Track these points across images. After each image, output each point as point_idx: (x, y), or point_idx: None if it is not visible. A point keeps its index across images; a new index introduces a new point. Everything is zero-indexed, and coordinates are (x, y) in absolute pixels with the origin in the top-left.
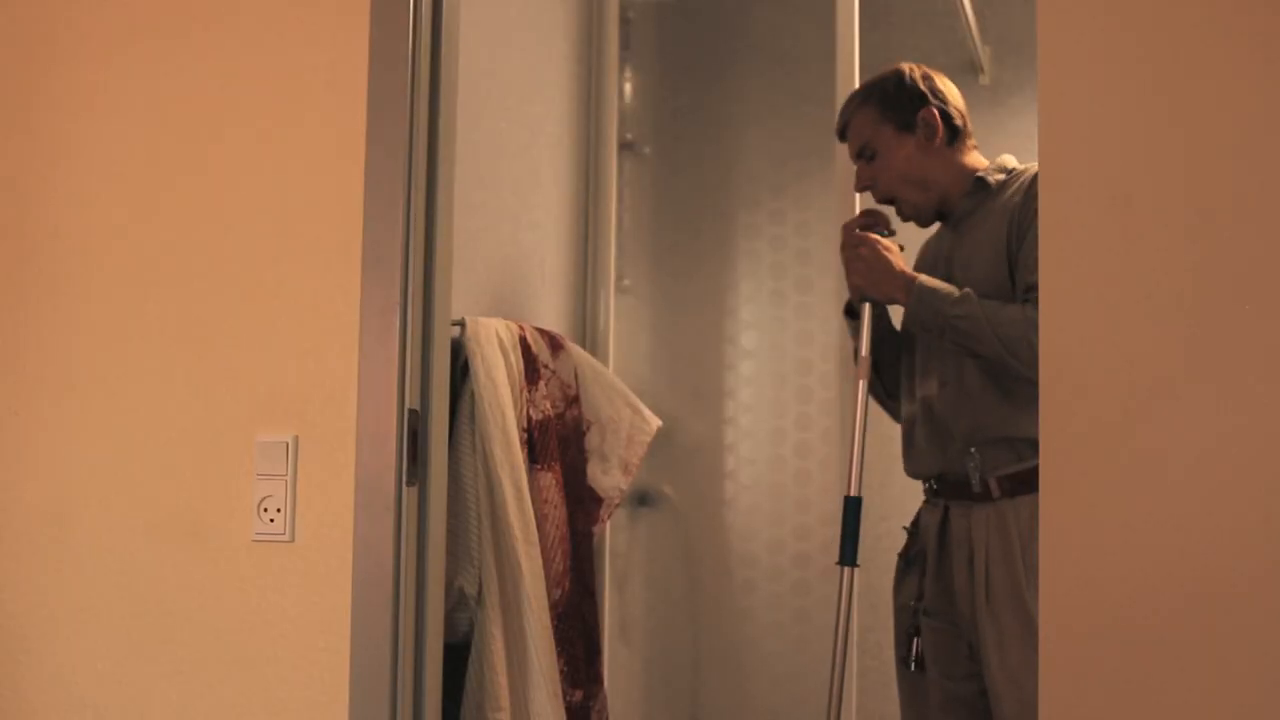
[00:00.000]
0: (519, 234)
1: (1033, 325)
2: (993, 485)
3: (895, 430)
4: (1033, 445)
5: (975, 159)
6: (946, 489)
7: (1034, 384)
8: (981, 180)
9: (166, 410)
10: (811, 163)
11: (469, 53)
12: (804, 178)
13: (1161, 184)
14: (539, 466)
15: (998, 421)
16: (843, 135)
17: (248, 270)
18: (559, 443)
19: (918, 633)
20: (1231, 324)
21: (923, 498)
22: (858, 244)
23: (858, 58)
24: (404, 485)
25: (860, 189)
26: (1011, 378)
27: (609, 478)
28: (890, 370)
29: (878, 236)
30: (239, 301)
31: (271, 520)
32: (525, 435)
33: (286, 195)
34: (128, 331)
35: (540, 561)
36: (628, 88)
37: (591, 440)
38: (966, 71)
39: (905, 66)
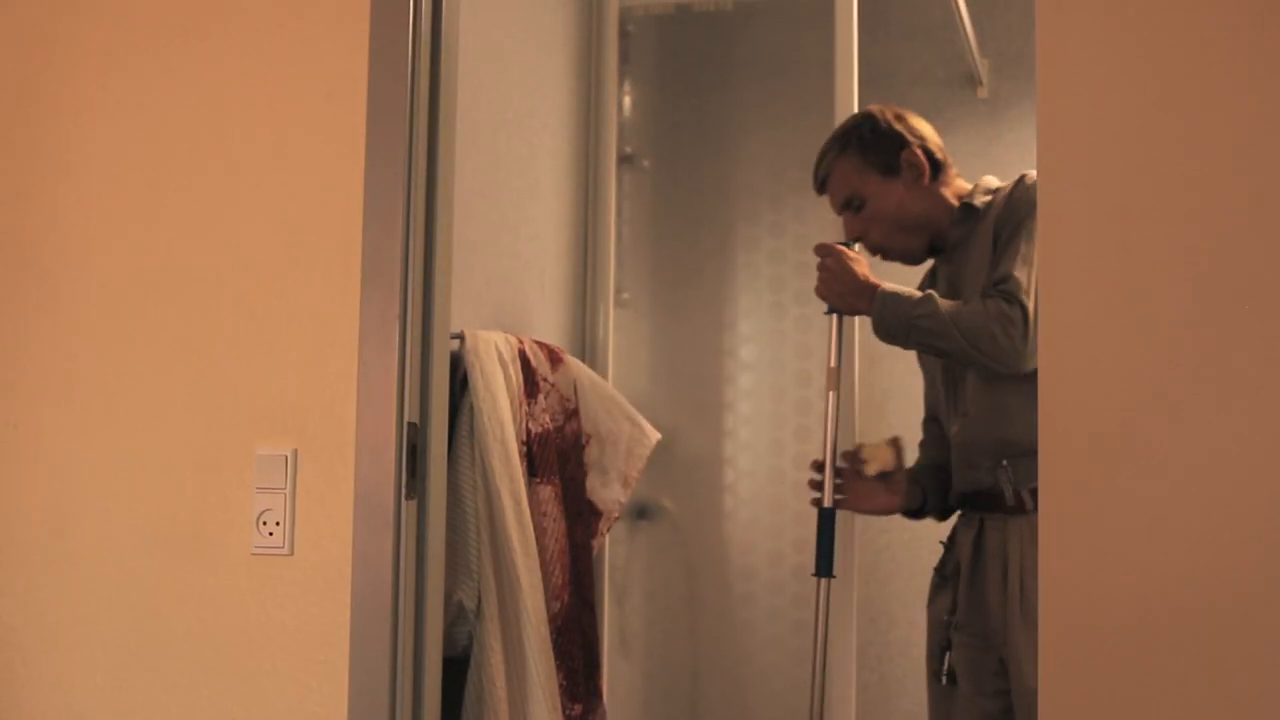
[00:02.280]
0: (518, 246)
1: (994, 318)
2: (1025, 497)
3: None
4: None
5: (959, 186)
6: (983, 502)
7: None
8: (969, 206)
9: (166, 423)
10: (811, 176)
11: (469, 65)
12: (803, 191)
13: (1160, 195)
14: (538, 480)
15: (1025, 435)
16: (822, 188)
17: (247, 283)
18: (558, 456)
19: (950, 647)
20: (1230, 334)
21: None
22: (825, 255)
23: (856, 70)
24: (403, 499)
25: (852, 240)
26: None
27: (608, 491)
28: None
29: (843, 248)
30: (238, 314)
31: (270, 533)
32: (524, 448)
33: (286, 207)
34: (127, 344)
35: (539, 575)
36: (627, 101)
37: (591, 453)
38: (965, 84)
39: (875, 109)
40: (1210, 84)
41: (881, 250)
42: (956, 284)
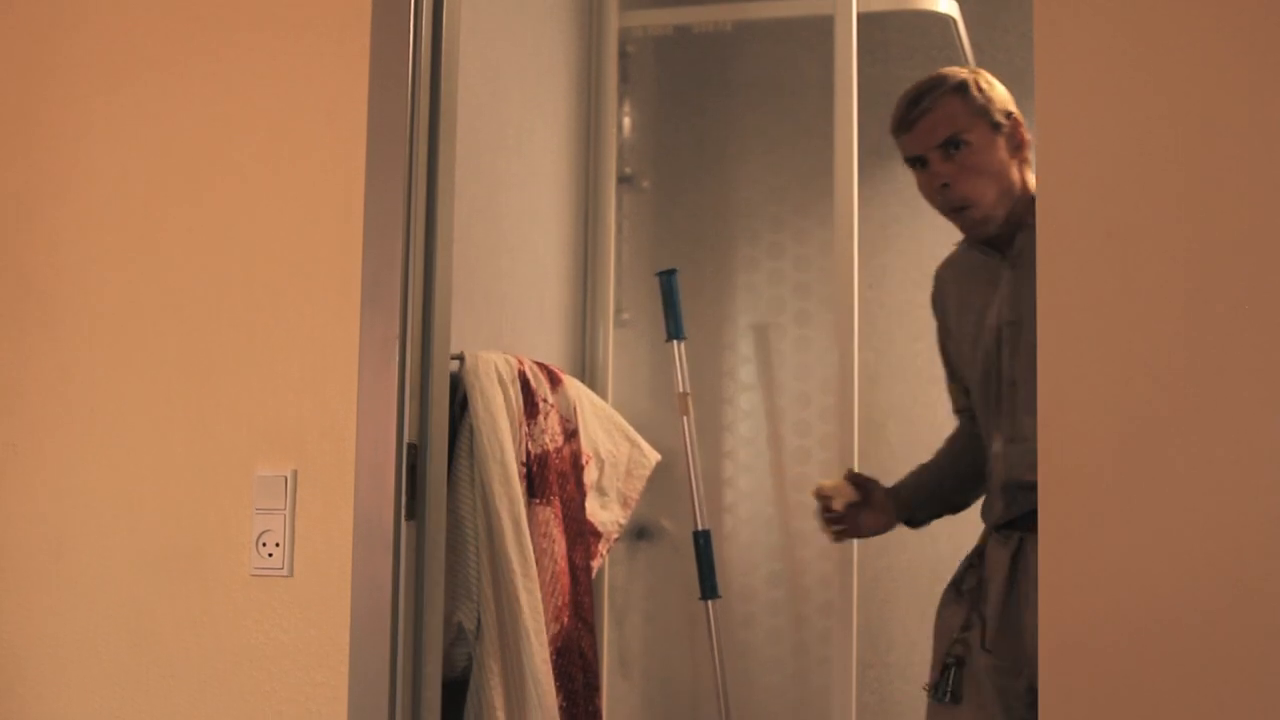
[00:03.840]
0: (518, 267)
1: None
2: None
3: (894, 467)
4: None
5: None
6: (1030, 522)
7: None
8: None
9: (166, 444)
10: (810, 196)
11: (468, 87)
12: (803, 211)
13: (1158, 215)
14: (538, 501)
15: None
16: (913, 124)
17: (247, 304)
18: (558, 477)
19: (958, 664)
20: (1228, 359)
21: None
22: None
23: (855, 90)
24: (403, 520)
25: (937, 186)
26: None
27: (608, 512)
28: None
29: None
30: (238, 335)
31: (270, 555)
32: (524, 470)
33: (286, 229)
34: (127, 365)
35: (539, 596)
36: (626, 121)
37: (590, 474)
38: None
39: (975, 70)
40: (1209, 104)
41: (961, 205)
42: (1026, 298)
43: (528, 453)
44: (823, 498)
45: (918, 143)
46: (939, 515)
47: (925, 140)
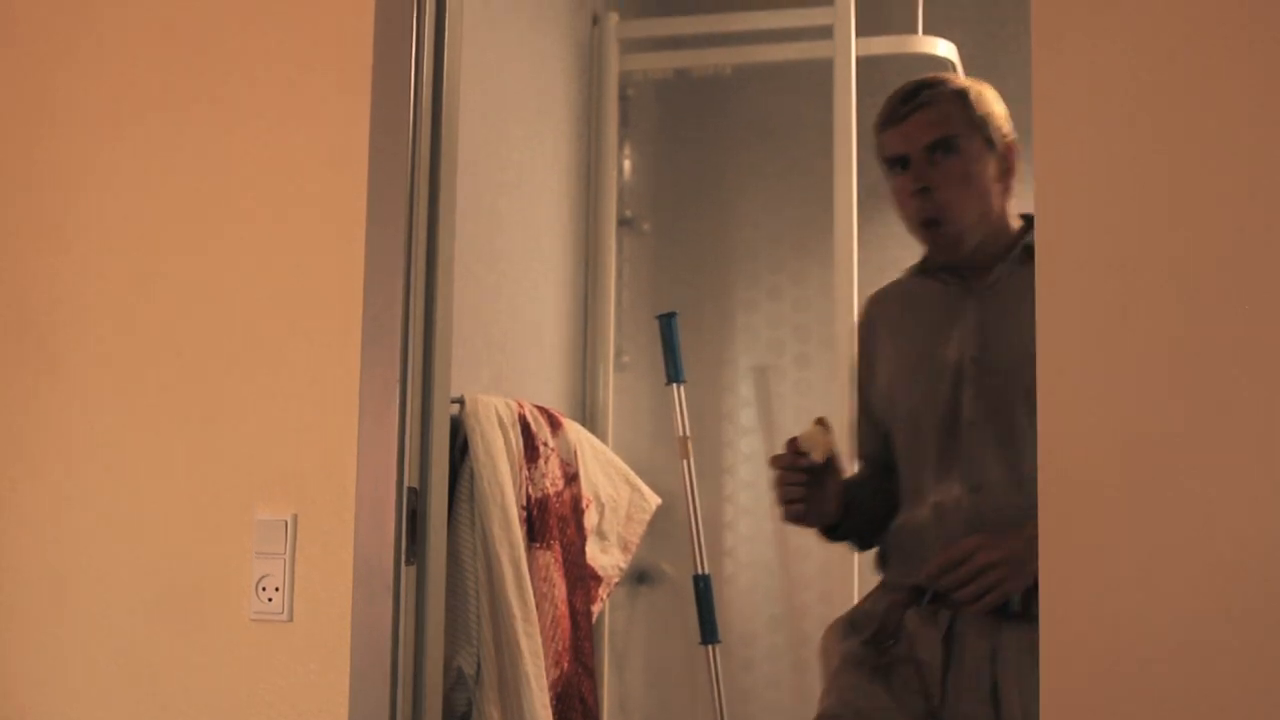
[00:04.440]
0: (518, 310)
1: None
2: (1035, 603)
3: None
4: None
5: (1014, 218)
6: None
7: None
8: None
9: (166, 487)
10: (810, 238)
11: (469, 128)
12: (802, 253)
13: (1157, 250)
14: (538, 545)
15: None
16: (904, 118)
17: (247, 347)
18: (558, 521)
19: None
20: (1228, 389)
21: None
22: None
23: (855, 132)
24: (403, 564)
25: (914, 190)
26: None
27: (608, 556)
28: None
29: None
30: (239, 378)
31: (270, 599)
32: (524, 513)
33: (286, 271)
34: (127, 408)
35: (539, 640)
36: (627, 164)
37: (590, 518)
38: None
39: (980, 82)
40: (1209, 138)
41: (937, 218)
42: (996, 328)
43: (528, 496)
44: (798, 454)
45: (905, 140)
46: (851, 537)
47: (914, 138)
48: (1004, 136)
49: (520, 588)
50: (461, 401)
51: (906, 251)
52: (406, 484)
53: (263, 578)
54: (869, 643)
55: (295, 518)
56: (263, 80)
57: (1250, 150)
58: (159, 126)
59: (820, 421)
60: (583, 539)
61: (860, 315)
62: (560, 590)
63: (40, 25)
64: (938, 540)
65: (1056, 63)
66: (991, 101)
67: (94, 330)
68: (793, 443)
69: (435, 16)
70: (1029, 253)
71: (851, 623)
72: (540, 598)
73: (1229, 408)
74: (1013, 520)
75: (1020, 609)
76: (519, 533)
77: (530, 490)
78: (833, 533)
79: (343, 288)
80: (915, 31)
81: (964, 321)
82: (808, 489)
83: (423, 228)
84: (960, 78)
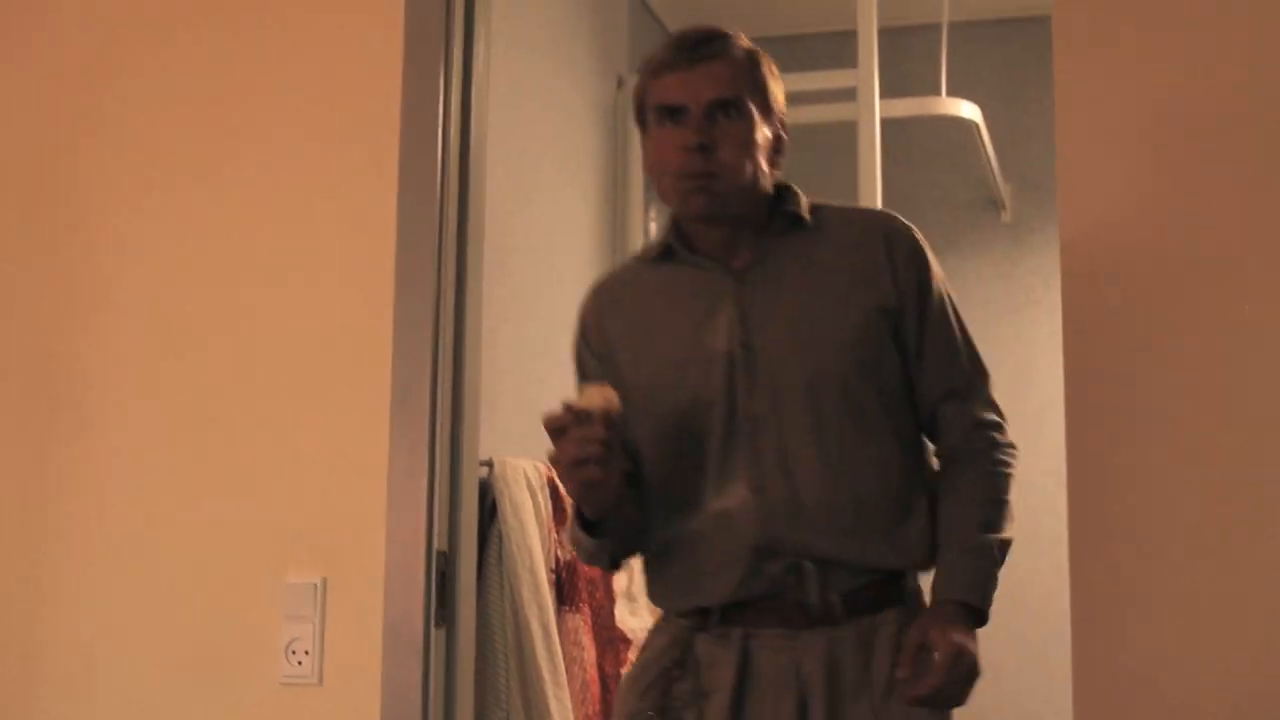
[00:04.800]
0: (547, 371)
1: (1006, 467)
2: (836, 604)
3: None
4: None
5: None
6: (754, 616)
7: (898, 499)
8: (796, 218)
9: (196, 551)
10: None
11: (495, 192)
12: None
13: (1180, 324)
14: (567, 608)
15: (850, 547)
16: (693, 65)
17: (277, 412)
18: (587, 584)
19: None
20: (1255, 463)
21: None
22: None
23: (880, 194)
24: (432, 627)
25: (690, 145)
26: (864, 488)
27: (637, 619)
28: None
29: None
30: (268, 443)
31: (300, 663)
32: (554, 576)
33: (316, 337)
34: (158, 472)
35: (569, 704)
36: (653, 226)
37: (619, 581)
38: (987, 207)
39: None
40: (1230, 208)
41: (715, 172)
42: (772, 319)
43: (557, 560)
44: (580, 416)
45: (687, 90)
46: (612, 541)
47: (700, 89)
48: (782, 114)
49: (550, 651)
50: (490, 464)
51: None
52: (435, 547)
53: (292, 641)
54: (653, 681)
55: (325, 581)
56: (292, 150)
57: (1274, 218)
58: (190, 195)
59: (603, 382)
60: (612, 602)
61: (585, 313)
62: (590, 653)
63: (71, 95)
64: (723, 551)
65: (1079, 125)
66: (776, 75)
67: (125, 396)
68: (570, 409)
69: (462, 88)
70: (791, 222)
71: (636, 678)
72: (570, 661)
73: (1259, 486)
74: (803, 522)
75: (821, 613)
76: (548, 596)
77: (559, 553)
78: (596, 529)
79: (371, 353)
80: (938, 93)
81: (729, 306)
82: (592, 451)
83: (450, 293)
84: (745, 44)
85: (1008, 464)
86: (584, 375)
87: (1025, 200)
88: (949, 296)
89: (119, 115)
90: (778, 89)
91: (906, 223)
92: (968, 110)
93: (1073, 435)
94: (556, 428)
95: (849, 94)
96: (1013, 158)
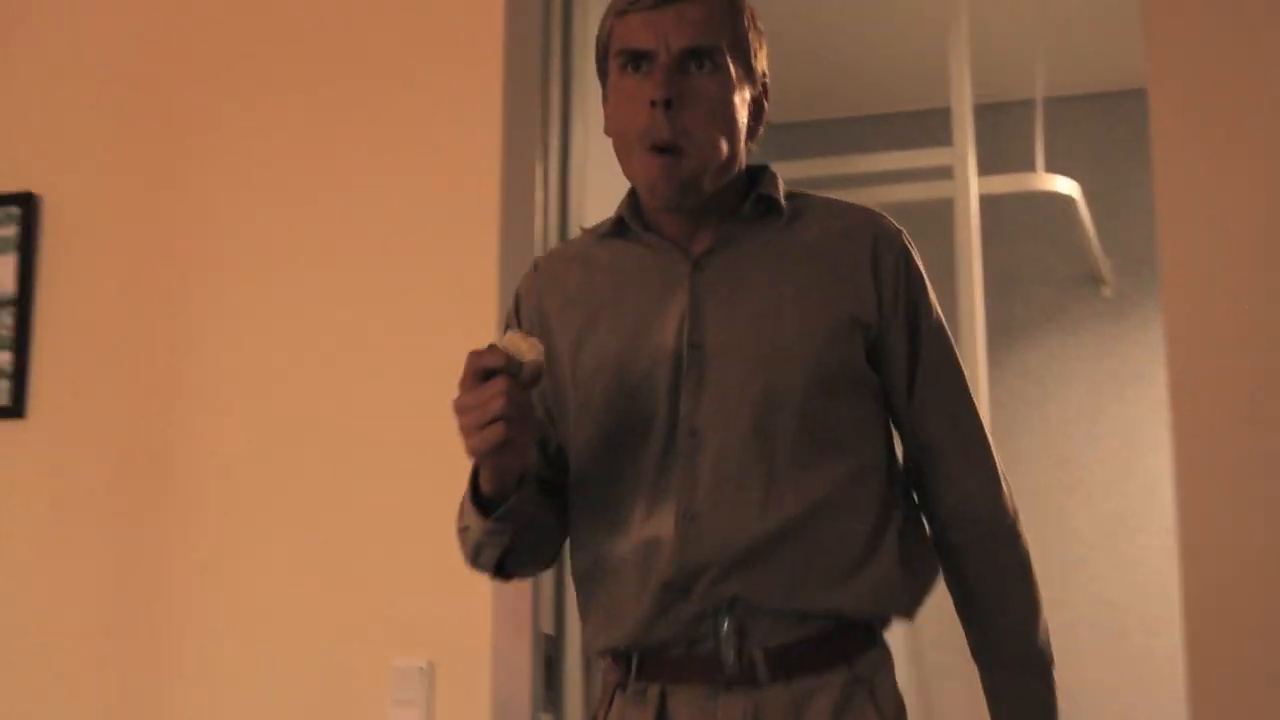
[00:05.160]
0: None
1: (1023, 570)
2: (758, 661)
3: None
4: (830, 616)
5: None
6: (673, 669)
7: (861, 540)
8: (770, 204)
9: (305, 635)
10: None
11: None
12: None
13: None
14: None
15: (785, 591)
16: (663, 4)
17: (383, 496)
18: None
19: None
20: None
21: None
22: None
23: (979, 271)
24: (540, 712)
25: (657, 98)
26: (817, 526)
27: None
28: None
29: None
30: (376, 528)
31: None
32: None
33: (419, 416)
34: (265, 555)
35: None
36: None
37: None
38: (1088, 283)
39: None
40: None
41: (679, 143)
42: (730, 314)
43: None
44: (510, 364)
45: (657, 33)
46: (512, 538)
47: (672, 34)
48: (764, 76)
49: None
50: None
51: (1037, 389)
52: (542, 630)
53: None
54: None
55: (431, 665)
56: (394, 229)
57: None
58: (294, 285)
59: (526, 332)
60: None
61: (521, 290)
62: None
63: (175, 189)
64: (637, 585)
65: (1179, 199)
66: (760, 29)
67: (233, 482)
68: (499, 349)
69: (560, 169)
70: (766, 206)
71: None
72: None
73: None
74: (731, 559)
75: (740, 671)
76: None
77: None
78: (495, 509)
79: None
80: (1034, 169)
81: (681, 296)
82: (517, 406)
83: None
84: None
85: (1028, 554)
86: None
87: (1127, 274)
88: (945, 328)
89: (223, 206)
90: (761, 46)
91: (900, 228)
92: (1065, 185)
93: (1183, 511)
94: (480, 370)
95: (945, 171)
96: (1112, 232)
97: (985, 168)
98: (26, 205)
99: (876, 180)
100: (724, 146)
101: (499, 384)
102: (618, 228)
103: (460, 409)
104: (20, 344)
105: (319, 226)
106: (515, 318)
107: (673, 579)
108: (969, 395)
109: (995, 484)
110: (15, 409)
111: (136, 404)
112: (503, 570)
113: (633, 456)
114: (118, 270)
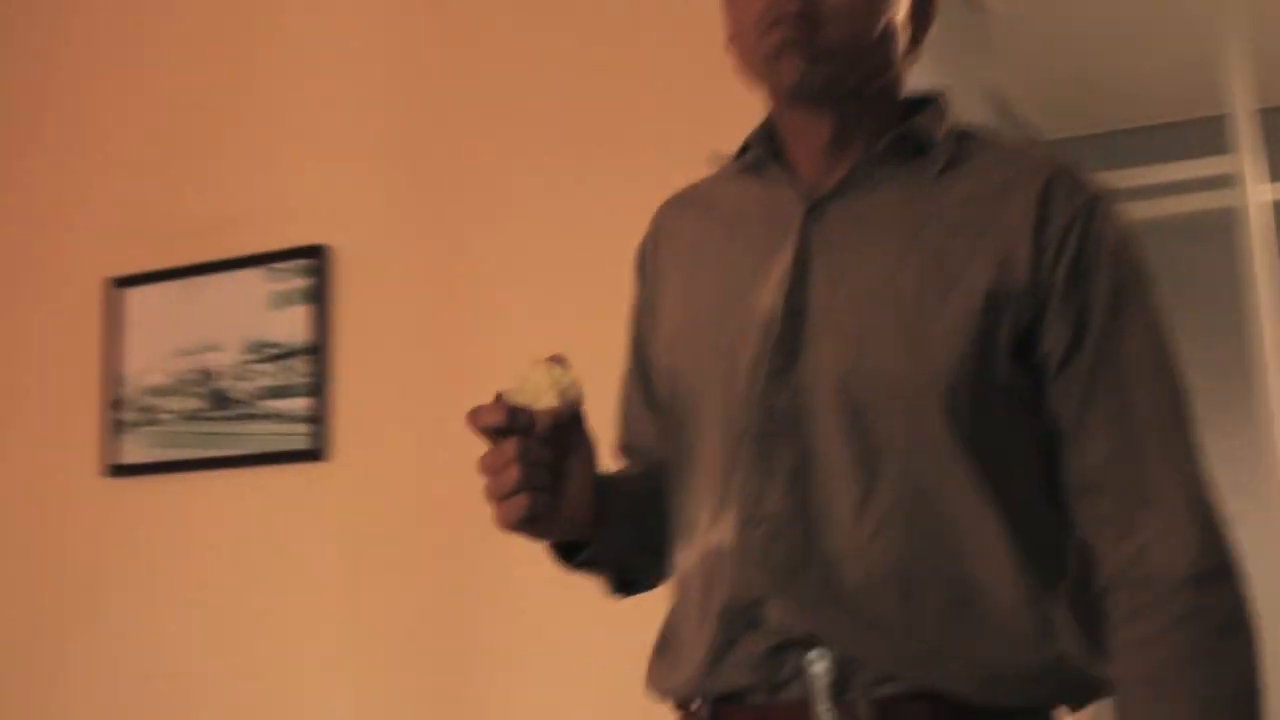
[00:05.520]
0: None
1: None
2: (862, 713)
3: None
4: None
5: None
6: (755, 711)
7: (1025, 600)
8: (924, 140)
9: (607, 679)
10: (1228, 392)
11: None
12: (1220, 409)
13: None
14: None
15: (912, 657)
16: None
17: None
18: None
19: None
20: None
21: None
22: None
23: (1267, 282)
24: None
25: None
26: (949, 564)
27: None
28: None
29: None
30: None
31: None
32: None
33: None
34: (568, 602)
35: None
36: None
37: None
38: None
39: None
40: None
41: (810, 14)
42: (841, 274)
43: None
44: (518, 418)
45: None
46: (607, 567)
47: None
48: None
49: None
50: None
51: None
52: None
53: None
54: None
55: None
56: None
57: None
58: (583, 322)
59: (555, 359)
60: None
61: (649, 231)
62: None
63: (470, 234)
64: (703, 616)
65: None
66: None
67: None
68: (507, 402)
69: None
70: (906, 145)
71: None
72: None
73: None
74: (802, 582)
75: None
76: None
77: None
78: (574, 555)
79: None
80: None
81: (789, 247)
82: (538, 469)
83: None
84: None
85: (1244, 655)
86: (639, 304)
87: None
88: (1159, 329)
89: (506, 250)
90: None
91: (1092, 182)
92: None
93: None
94: (488, 429)
95: (1226, 180)
96: None
97: (1273, 174)
98: (318, 257)
99: (1156, 192)
100: (874, 26)
101: (509, 449)
102: (752, 160)
103: (481, 470)
104: (316, 389)
105: (610, 273)
106: (639, 264)
107: (730, 601)
108: (1174, 414)
109: (1189, 537)
110: (316, 452)
111: (433, 447)
112: (634, 588)
113: (707, 443)
114: (409, 316)
